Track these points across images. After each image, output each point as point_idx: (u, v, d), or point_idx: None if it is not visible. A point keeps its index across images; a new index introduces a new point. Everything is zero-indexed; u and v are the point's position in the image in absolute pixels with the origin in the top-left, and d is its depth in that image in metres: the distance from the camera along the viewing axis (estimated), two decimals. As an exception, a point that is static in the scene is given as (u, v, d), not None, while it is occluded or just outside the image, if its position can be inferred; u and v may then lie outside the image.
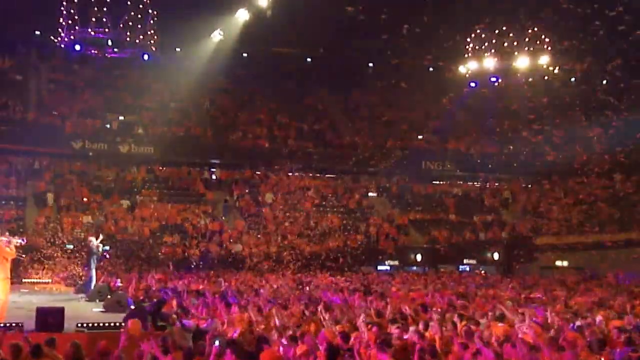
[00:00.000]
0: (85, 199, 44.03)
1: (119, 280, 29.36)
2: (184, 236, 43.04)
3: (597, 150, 47.71)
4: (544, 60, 49.26)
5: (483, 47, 50.45)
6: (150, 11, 46.25)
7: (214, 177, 51.60)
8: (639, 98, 44.18)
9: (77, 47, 46.97)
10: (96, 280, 27.78)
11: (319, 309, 17.40)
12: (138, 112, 51.38)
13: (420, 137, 56.88)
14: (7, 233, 20.92)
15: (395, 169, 53.16)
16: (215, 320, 17.05)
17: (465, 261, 47.96)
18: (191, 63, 50.26)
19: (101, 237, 29.17)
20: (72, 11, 45.81)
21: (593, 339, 13.65)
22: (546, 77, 50.21)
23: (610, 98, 45.28)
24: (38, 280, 33.38)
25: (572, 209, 49.98)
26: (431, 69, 57.79)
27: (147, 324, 18.19)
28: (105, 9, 45.41)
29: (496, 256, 48.55)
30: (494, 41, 49.78)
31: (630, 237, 45.45)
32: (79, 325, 18.16)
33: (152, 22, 46.73)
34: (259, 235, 44.49)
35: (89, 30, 46.13)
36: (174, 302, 20.50)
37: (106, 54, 47.95)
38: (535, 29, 48.75)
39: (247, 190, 49.48)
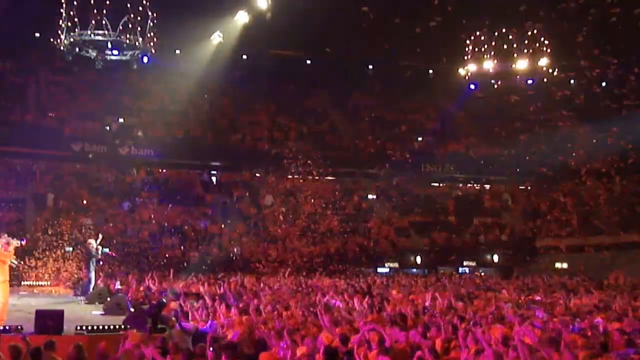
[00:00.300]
0: (84, 201, 44.02)
1: (118, 282, 29.35)
2: (184, 238, 43.03)
3: (597, 152, 47.66)
4: (544, 62, 49.19)
5: (482, 49, 50.39)
6: (149, 13, 46.22)
7: (213, 179, 51.60)
8: (639, 99, 44.13)
9: (77, 50, 46.95)
10: (95, 283, 27.77)
11: (319, 312, 17.38)
12: (137, 115, 51.38)
13: (420, 139, 56.88)
14: (5, 235, 20.85)
15: (395, 171, 53.10)
16: (215, 323, 17.04)
17: (464, 263, 48.00)
18: (191, 65, 50.25)
19: (100, 238, 29.12)
20: (71, 13, 45.80)
21: (594, 341, 13.62)
22: (545, 79, 50.17)
23: (610, 99, 45.28)
24: (37, 283, 33.36)
25: (572, 211, 49.95)
26: (431, 71, 57.83)
27: (147, 326, 18.18)
28: (104, 12, 45.40)
29: (496, 258, 48.57)
30: (493, 43, 49.71)
31: (630, 239, 45.43)
32: (79, 328, 18.12)
33: (151, 24, 46.71)
34: (258, 238, 44.48)
35: (89, 32, 46.11)
36: (174, 305, 20.47)
37: (106, 56, 47.94)
38: (535, 31, 48.73)
39: (246, 193, 49.47)
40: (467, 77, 52.14)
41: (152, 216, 44.71)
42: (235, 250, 43.05)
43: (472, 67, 51.32)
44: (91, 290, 26.89)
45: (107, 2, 44.81)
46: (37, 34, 49.50)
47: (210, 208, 47.53)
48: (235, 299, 22.60)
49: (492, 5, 44.07)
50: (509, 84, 51.01)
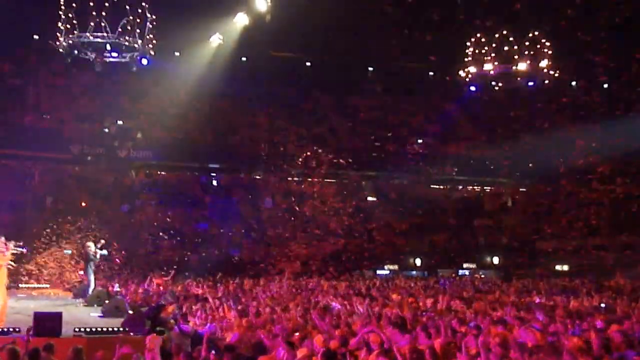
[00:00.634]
0: (83, 204, 43.96)
1: (117, 285, 29.31)
2: (183, 241, 42.98)
3: (597, 153, 47.60)
4: (544, 64, 49.16)
5: (483, 51, 50.36)
6: (148, 15, 46.19)
7: (213, 181, 51.55)
8: (639, 100, 44.14)
9: (75, 52, 46.93)
10: (94, 285, 27.71)
11: (318, 314, 17.32)
12: (137, 117, 51.28)
13: (420, 141, 56.78)
14: (3, 238, 20.78)
15: (395, 173, 53.05)
16: (214, 325, 16.97)
17: (465, 265, 48.00)
18: (190, 67, 50.15)
19: (101, 243, 29.06)
20: (70, 15, 45.76)
21: (596, 344, 13.55)
22: (546, 81, 50.16)
23: (611, 101, 45.28)
24: (36, 285, 33.33)
25: (573, 213, 49.87)
26: (431, 72, 57.77)
27: (145, 329, 18.12)
28: (103, 14, 45.36)
29: (496, 260, 48.52)
30: (494, 45, 49.68)
31: (631, 241, 45.35)
32: (77, 330, 18.07)
33: (150, 26, 46.67)
34: (257, 240, 44.44)
35: (88, 34, 46.07)
36: (173, 307, 20.41)
37: (105, 59, 47.89)
38: (536, 32, 48.72)
39: (246, 195, 49.41)
40: (467, 79, 52.11)
41: (151, 218, 44.64)
42: (234, 252, 42.98)
43: (472, 69, 51.30)
44: (90, 292, 26.83)
45: (106, 4, 44.81)
46: (36, 36, 49.47)
47: (209, 210, 47.45)
48: (234, 301, 22.53)
49: (492, 6, 44.04)
50: (509, 86, 51.02)
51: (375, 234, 47.61)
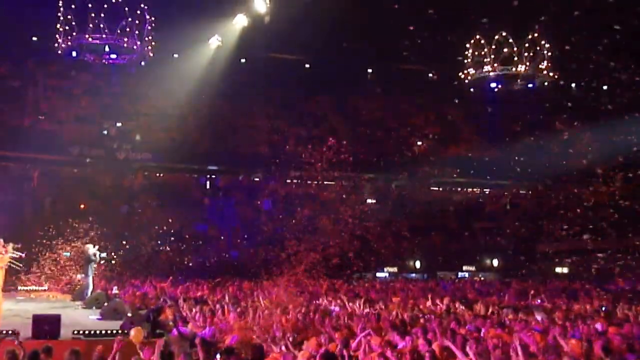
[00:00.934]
0: (82, 205, 43.89)
1: (116, 287, 29.24)
2: (182, 242, 42.91)
3: (598, 155, 47.56)
4: (544, 65, 49.19)
5: (483, 53, 50.41)
6: (147, 17, 46.24)
7: (212, 183, 51.50)
8: (639, 102, 44.10)
9: (74, 54, 46.98)
10: (93, 288, 27.64)
11: (318, 316, 17.29)
12: (135, 119, 51.24)
13: (420, 143, 56.74)
14: (2, 240, 20.72)
15: (395, 175, 52.99)
16: (213, 328, 16.91)
17: (464, 268, 47.93)
18: (189, 69, 50.12)
19: (101, 244, 29.06)
20: (69, 17, 45.78)
21: (596, 347, 13.50)
22: (546, 83, 50.21)
23: (611, 103, 45.29)
24: (34, 288, 33.23)
25: (573, 215, 49.80)
26: (431, 75, 57.75)
27: (144, 331, 18.06)
28: (102, 16, 45.38)
29: (496, 263, 48.46)
30: (493, 47, 49.73)
31: (631, 244, 45.29)
32: (76, 332, 18.01)
33: (149, 28, 46.72)
34: (256, 242, 44.37)
35: (87, 36, 46.09)
36: (172, 310, 20.35)
37: (103, 60, 47.91)
38: (535, 34, 48.78)
39: (245, 197, 49.35)
40: (467, 81, 52.13)
41: (150, 220, 44.57)
42: (233, 254, 42.91)
43: (472, 71, 51.33)
44: (89, 295, 26.77)
45: (105, 6, 44.87)
46: (35, 38, 49.44)
47: (208, 212, 47.40)
48: (233, 303, 22.48)
49: (492, 9, 44.07)
50: (509, 88, 51.05)
51: (374, 236, 47.50)
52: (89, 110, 50.21)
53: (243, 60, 53.81)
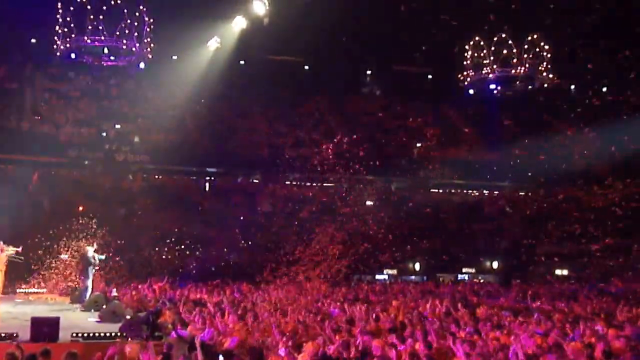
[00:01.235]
0: (81, 208, 43.79)
1: (114, 289, 29.19)
2: (180, 245, 42.83)
3: (597, 157, 47.53)
4: (543, 67, 49.19)
5: (482, 54, 50.41)
6: (146, 19, 46.22)
7: (211, 185, 51.45)
8: (639, 104, 44.06)
9: (73, 56, 46.96)
10: (92, 290, 27.62)
11: (317, 319, 17.25)
12: (134, 121, 51.17)
13: (418, 144, 56.66)
14: (1, 242, 20.73)
15: (394, 177, 52.94)
16: (212, 330, 16.87)
17: (464, 270, 47.86)
18: (188, 71, 50.06)
19: (95, 246, 29.03)
20: (68, 19, 45.76)
21: (599, 349, 13.46)
22: (545, 85, 50.20)
23: (610, 105, 45.28)
24: (33, 290, 33.21)
25: (572, 217, 49.72)
26: (430, 76, 57.70)
27: (143, 334, 18.03)
28: (101, 18, 45.36)
29: (495, 265, 48.40)
30: (492, 49, 49.72)
31: (630, 245, 45.23)
32: (74, 335, 17.99)
33: (148, 30, 46.71)
34: (255, 244, 44.32)
35: (85, 38, 46.07)
36: (171, 312, 20.31)
37: (102, 62, 47.89)
38: (535, 36, 48.77)
39: (244, 199, 49.29)
40: (466, 83, 52.12)
41: (149, 222, 44.50)
42: (232, 256, 42.86)
43: (471, 73, 51.31)
44: (87, 297, 26.75)
45: (104, 9, 44.82)
46: (33, 40, 49.39)
47: (207, 214, 47.32)
48: (232, 305, 22.43)
49: (492, 10, 44.06)
50: (508, 90, 51.04)
51: (373, 238, 47.44)
52: (88, 113, 50.14)
53: (242, 62, 53.75)
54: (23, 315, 21.58)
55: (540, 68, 49.56)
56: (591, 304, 25.77)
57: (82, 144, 47.32)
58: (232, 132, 53.47)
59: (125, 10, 45.70)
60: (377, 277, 44.99)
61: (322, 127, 56.26)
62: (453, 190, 55.64)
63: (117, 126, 50.25)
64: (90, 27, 45.43)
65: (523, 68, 49.73)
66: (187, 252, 42.46)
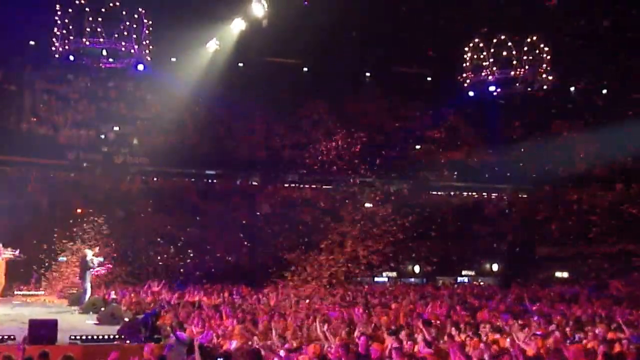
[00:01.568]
0: (79, 210, 43.73)
1: (113, 292, 29.17)
2: (179, 247, 42.79)
3: (597, 159, 47.50)
4: (543, 69, 49.12)
5: (482, 55, 50.33)
6: (145, 21, 46.14)
7: (209, 187, 51.38)
8: (638, 106, 44.06)
9: (71, 58, 46.86)
10: (90, 293, 27.57)
11: (317, 322, 17.20)
12: (133, 123, 51.06)
13: (418, 146, 56.59)
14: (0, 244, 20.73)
15: (393, 179, 52.87)
16: (211, 333, 16.83)
17: (463, 272, 47.82)
18: (187, 73, 49.93)
19: (97, 250, 29.04)
20: (66, 21, 45.68)
21: (599, 352, 13.41)
22: (545, 86, 50.13)
23: (610, 107, 45.28)
24: (31, 293, 33.18)
25: (572, 219, 49.67)
26: (429, 78, 57.57)
27: (141, 336, 18.00)
28: (99, 20, 45.27)
29: (495, 267, 48.35)
30: (492, 50, 49.65)
31: (631, 248, 45.17)
32: (72, 337, 17.97)
33: (147, 32, 46.62)
34: (254, 247, 44.28)
35: (84, 40, 45.99)
36: (170, 315, 20.29)
37: (101, 65, 47.80)
38: (534, 37, 48.71)
39: (242, 201, 49.24)
40: (466, 84, 52.04)
41: (148, 225, 44.44)
42: (231, 259, 42.80)
43: (471, 74, 51.24)
44: (86, 299, 26.72)
45: (102, 10, 44.72)
46: (32, 42, 49.28)
47: (206, 216, 47.26)
48: (231, 308, 22.41)
49: (492, 12, 44.05)
50: (508, 91, 50.96)
51: (372, 240, 47.36)
52: (86, 115, 50.01)
53: (241, 64, 53.62)
54: (21, 317, 21.56)
55: (540, 70, 49.45)
56: (591, 307, 25.74)
57: (80, 146, 47.24)
58: (231, 134, 53.39)
59: (124, 12, 45.57)
60: (377, 279, 44.90)
61: (321, 129, 56.19)
62: (453, 192, 55.54)
63: (116, 128, 50.13)
64: (88, 29, 45.28)
65: (523, 70, 49.60)
66: (186, 255, 42.42)
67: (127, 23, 45.65)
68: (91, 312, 24.82)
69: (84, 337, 18.09)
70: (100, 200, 45.08)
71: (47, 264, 35.65)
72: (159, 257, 41.61)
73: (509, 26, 47.46)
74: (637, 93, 43.16)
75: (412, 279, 45.94)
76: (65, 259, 35.78)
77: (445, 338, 15.61)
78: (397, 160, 52.81)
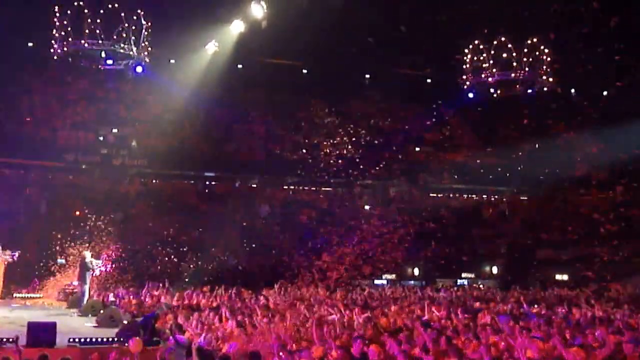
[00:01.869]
0: (78, 212, 43.68)
1: (111, 295, 29.13)
2: (178, 249, 42.73)
3: (597, 161, 47.46)
4: (543, 71, 49.12)
5: (482, 57, 50.32)
6: (144, 23, 46.09)
7: (208, 189, 51.35)
8: (638, 108, 43.99)
9: (70, 60, 46.84)
10: (89, 295, 27.55)
11: (316, 325, 17.14)
12: (132, 125, 51.00)
13: (417, 148, 56.55)
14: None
15: (392, 181, 52.85)
16: (210, 336, 16.76)
17: (463, 275, 47.76)
18: (185, 75, 49.86)
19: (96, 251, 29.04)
20: (65, 23, 45.63)
21: (600, 355, 13.37)
22: (545, 89, 50.13)
23: (611, 109, 45.24)
24: (30, 295, 33.12)
25: (572, 222, 49.62)
26: (429, 80, 57.52)
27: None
28: (98, 21, 45.21)
29: (495, 270, 48.30)
30: (492, 52, 49.64)
31: (631, 250, 45.14)
32: (71, 340, 17.93)
33: (146, 33, 46.56)
34: (253, 249, 44.24)
35: (83, 42, 45.93)
36: (169, 317, 20.24)
37: (100, 66, 47.74)
38: (535, 39, 48.71)
39: (242, 203, 49.20)
40: (465, 86, 52.03)
41: (147, 227, 44.39)
42: (230, 261, 42.75)
43: (471, 76, 51.23)
44: (84, 302, 26.70)
45: (101, 12, 44.67)
46: (30, 44, 49.21)
47: (205, 218, 47.19)
48: (230, 311, 22.32)
49: (492, 13, 44.02)
50: (508, 93, 50.93)
51: (372, 242, 47.33)
52: (85, 117, 49.97)
53: (240, 66, 53.53)
54: (20, 320, 21.52)
55: (540, 72, 49.45)
56: (591, 310, 25.69)
57: (79, 147, 47.21)
58: (230, 135, 53.34)
59: (123, 14, 45.50)
60: (376, 282, 44.84)
61: (320, 131, 56.17)
62: (452, 195, 55.52)
63: (115, 130, 50.11)
64: (87, 31, 45.23)
65: (523, 71, 49.58)
66: (185, 257, 42.36)
67: (126, 25, 45.57)
68: (90, 315, 24.80)
69: (82, 340, 18.06)
70: (99, 202, 45.06)
71: (45, 267, 35.60)
72: (158, 259, 41.52)
73: (509, 28, 47.39)
74: (637, 95, 43.05)
75: (412, 282, 45.82)
76: (64, 261, 35.76)
77: (444, 341, 15.56)
78: (397, 162, 52.77)
